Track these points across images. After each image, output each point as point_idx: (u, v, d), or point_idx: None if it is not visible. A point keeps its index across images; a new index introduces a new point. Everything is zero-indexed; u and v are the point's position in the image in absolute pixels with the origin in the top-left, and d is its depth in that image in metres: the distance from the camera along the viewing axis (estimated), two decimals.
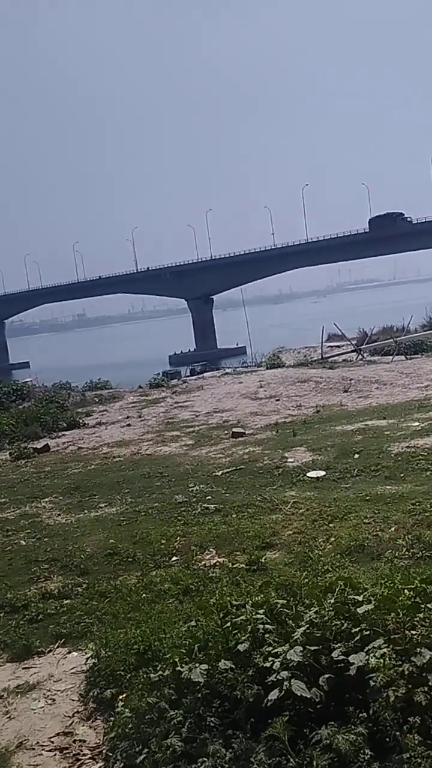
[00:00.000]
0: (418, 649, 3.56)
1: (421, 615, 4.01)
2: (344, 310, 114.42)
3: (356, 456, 12.12)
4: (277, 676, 3.74)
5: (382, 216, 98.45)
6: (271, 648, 4.06)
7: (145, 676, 4.87)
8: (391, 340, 32.31)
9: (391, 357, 29.89)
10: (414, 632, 3.72)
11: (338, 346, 36.16)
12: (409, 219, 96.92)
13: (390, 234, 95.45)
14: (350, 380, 22.15)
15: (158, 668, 4.72)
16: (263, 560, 7.79)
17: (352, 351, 33.56)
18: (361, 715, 3.60)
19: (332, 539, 8.28)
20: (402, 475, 10.68)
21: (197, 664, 4.07)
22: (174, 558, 8.39)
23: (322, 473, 11.43)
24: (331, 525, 8.82)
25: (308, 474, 11.49)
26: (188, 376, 37.04)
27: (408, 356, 29.80)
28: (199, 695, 4.00)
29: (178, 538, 9.00)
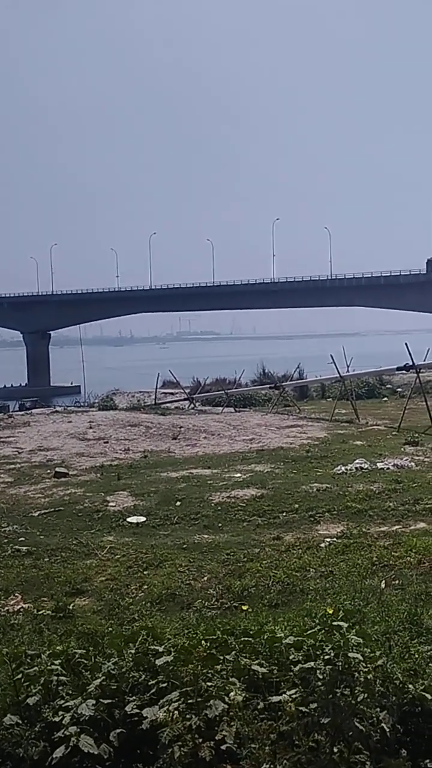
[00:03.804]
0: (211, 702, 3.53)
1: (219, 666, 4.00)
2: (188, 358, 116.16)
3: (178, 503, 12.17)
4: (65, 732, 3.54)
5: None
6: (63, 701, 3.85)
7: None
8: (223, 391, 33.23)
9: (221, 408, 30.70)
10: (210, 684, 3.69)
11: (172, 393, 36.65)
12: None
13: None
14: (180, 428, 22.40)
15: None
16: (71, 607, 7.52)
17: (185, 399, 34.12)
18: None
19: (145, 587, 8.19)
20: (220, 524, 10.86)
21: None
22: None
23: (142, 519, 11.35)
24: (145, 572, 8.73)
25: (128, 519, 11.37)
26: (16, 411, 35.68)
27: (237, 409, 30.77)
28: None
29: None
